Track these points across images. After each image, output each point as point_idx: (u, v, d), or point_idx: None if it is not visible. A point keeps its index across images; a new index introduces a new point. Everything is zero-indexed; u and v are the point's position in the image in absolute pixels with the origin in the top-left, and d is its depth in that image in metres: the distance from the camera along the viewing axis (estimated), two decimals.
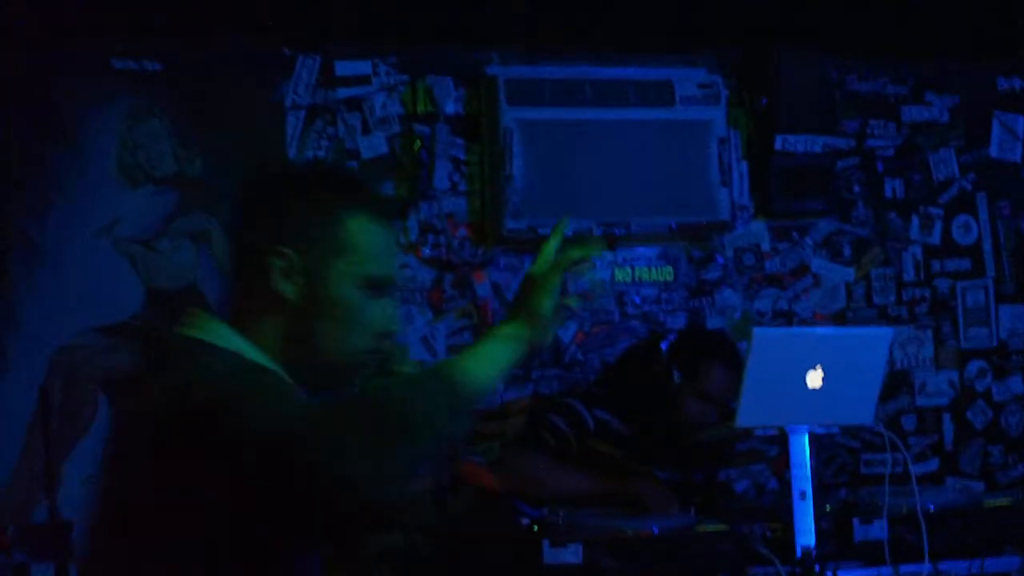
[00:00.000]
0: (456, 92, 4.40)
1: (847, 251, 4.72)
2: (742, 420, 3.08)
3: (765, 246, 4.65)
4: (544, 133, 4.31)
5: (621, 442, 3.84)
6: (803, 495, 3.05)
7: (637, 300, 4.52)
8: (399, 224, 1.94)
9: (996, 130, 4.90)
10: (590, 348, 4.46)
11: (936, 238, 4.81)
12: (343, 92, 4.33)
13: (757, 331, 3.10)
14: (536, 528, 3.12)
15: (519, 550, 3.14)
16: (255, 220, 1.87)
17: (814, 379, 3.09)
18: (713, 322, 4.57)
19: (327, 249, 1.83)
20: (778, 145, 4.53)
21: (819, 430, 3.58)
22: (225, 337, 1.82)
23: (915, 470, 4.50)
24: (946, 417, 4.79)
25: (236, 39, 4.14)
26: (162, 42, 4.12)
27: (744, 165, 4.60)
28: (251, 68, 4.24)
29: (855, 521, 3.26)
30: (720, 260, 4.59)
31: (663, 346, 3.90)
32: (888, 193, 4.77)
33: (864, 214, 4.74)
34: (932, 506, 3.26)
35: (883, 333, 3.75)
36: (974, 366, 4.83)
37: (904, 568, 3.22)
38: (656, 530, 3.16)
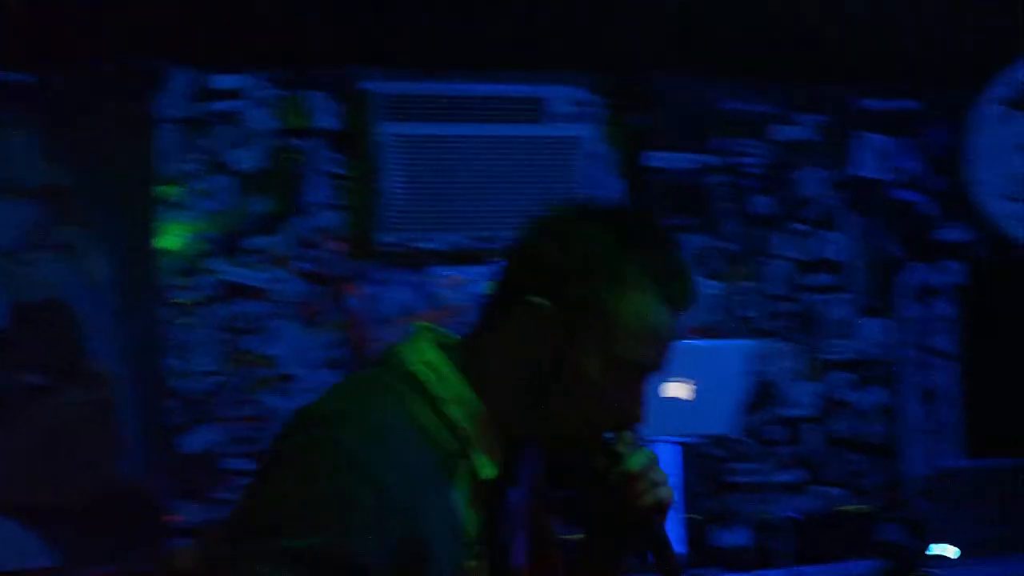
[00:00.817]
0: (331, 106, 4.41)
1: (717, 265, 4.82)
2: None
3: None
4: (418, 148, 4.34)
5: None
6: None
7: None
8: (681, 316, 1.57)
9: (861, 149, 5.04)
10: None
11: (802, 253, 4.94)
12: (217, 105, 4.32)
13: None
14: None
15: None
16: (534, 254, 1.60)
17: (680, 391, 3.15)
18: None
19: (594, 315, 1.56)
20: (651, 162, 4.63)
21: (686, 441, 3.66)
22: (443, 377, 1.60)
23: (779, 479, 4.66)
24: (810, 427, 4.91)
25: (109, 51, 4.11)
26: (34, 54, 4.07)
27: (616, 181, 4.68)
28: (124, 80, 4.21)
29: (718, 529, 3.34)
30: None
31: None
32: (757, 209, 4.89)
33: (734, 229, 4.85)
34: (795, 513, 3.35)
35: (748, 346, 3.84)
36: (838, 377, 4.96)
37: (767, 574, 3.31)
38: None
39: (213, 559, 1.52)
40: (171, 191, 4.24)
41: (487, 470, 1.58)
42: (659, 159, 4.66)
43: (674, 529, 3.11)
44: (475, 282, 4.48)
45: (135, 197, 4.22)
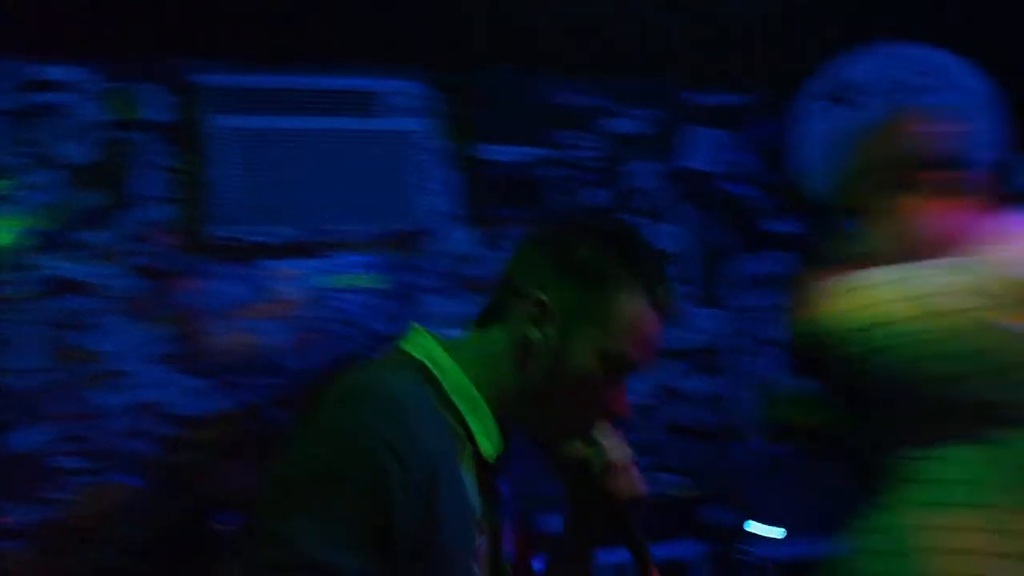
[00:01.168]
0: (162, 99, 4.37)
1: None
2: None
3: (472, 253, 4.77)
4: (251, 141, 4.32)
5: None
6: None
7: (347, 307, 4.57)
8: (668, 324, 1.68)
9: (696, 142, 5.15)
10: (301, 355, 4.48)
11: None
12: (46, 97, 4.24)
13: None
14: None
15: (212, 553, 3.14)
16: (533, 256, 1.75)
17: None
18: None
19: (589, 314, 1.70)
20: (483, 154, 4.68)
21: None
22: (444, 369, 1.71)
23: None
24: (645, 415, 4.99)
25: None
26: None
27: (451, 174, 4.71)
28: None
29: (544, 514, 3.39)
30: (428, 267, 4.69)
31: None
32: (590, 201, 4.96)
33: None
34: None
35: None
36: (672, 366, 5.06)
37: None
38: None
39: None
40: None
41: (489, 451, 1.70)
42: (492, 152, 4.71)
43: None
44: (308, 275, 4.49)
45: None
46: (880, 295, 2.14)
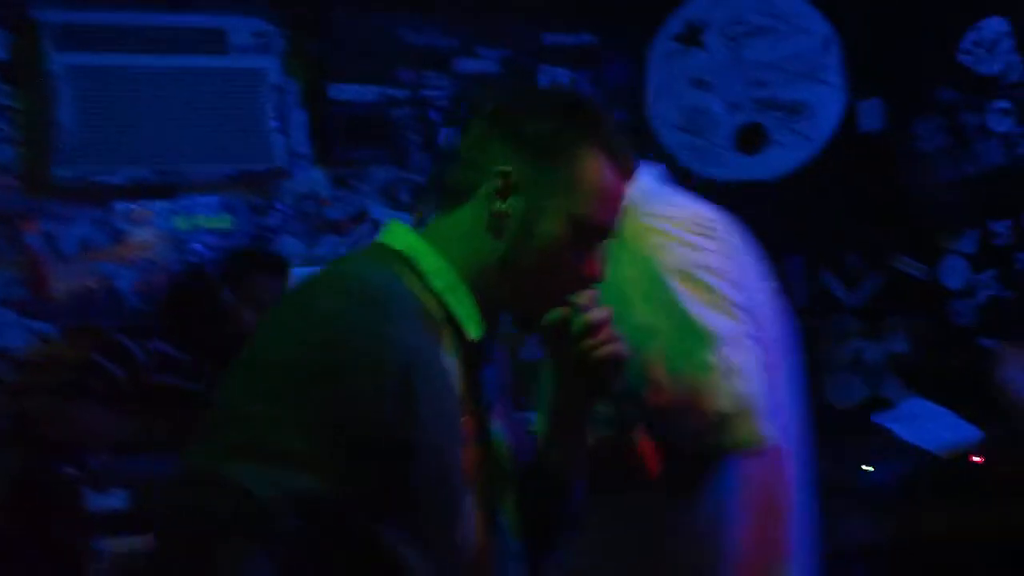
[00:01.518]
0: None
1: (405, 197, 4.88)
2: None
3: (324, 193, 4.74)
4: (94, 79, 4.23)
5: (186, 373, 3.84)
6: None
7: (199, 248, 4.51)
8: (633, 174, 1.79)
9: (544, 82, 5.17)
10: (151, 297, 4.42)
11: None
12: None
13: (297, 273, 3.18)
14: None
15: (61, 498, 3.11)
16: (492, 130, 1.75)
17: None
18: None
19: (555, 181, 1.71)
20: (334, 94, 4.64)
21: None
22: (422, 253, 1.72)
23: None
24: None
25: None
26: None
27: (301, 113, 4.67)
28: None
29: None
30: (280, 207, 4.66)
31: (208, 270, 3.96)
32: (443, 142, 4.97)
33: (421, 162, 4.91)
34: None
35: None
36: None
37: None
38: None
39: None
40: None
41: (474, 331, 1.72)
42: (343, 91, 4.67)
43: None
44: (159, 216, 4.42)
45: None
46: None
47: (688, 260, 2.26)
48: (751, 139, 5.07)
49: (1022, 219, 4.63)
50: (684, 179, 5.01)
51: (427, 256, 1.72)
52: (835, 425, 3.87)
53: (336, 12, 4.62)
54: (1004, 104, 4.65)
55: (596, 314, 1.76)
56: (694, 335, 2.19)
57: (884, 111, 5.01)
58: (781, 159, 5.08)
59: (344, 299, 1.60)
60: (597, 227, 1.74)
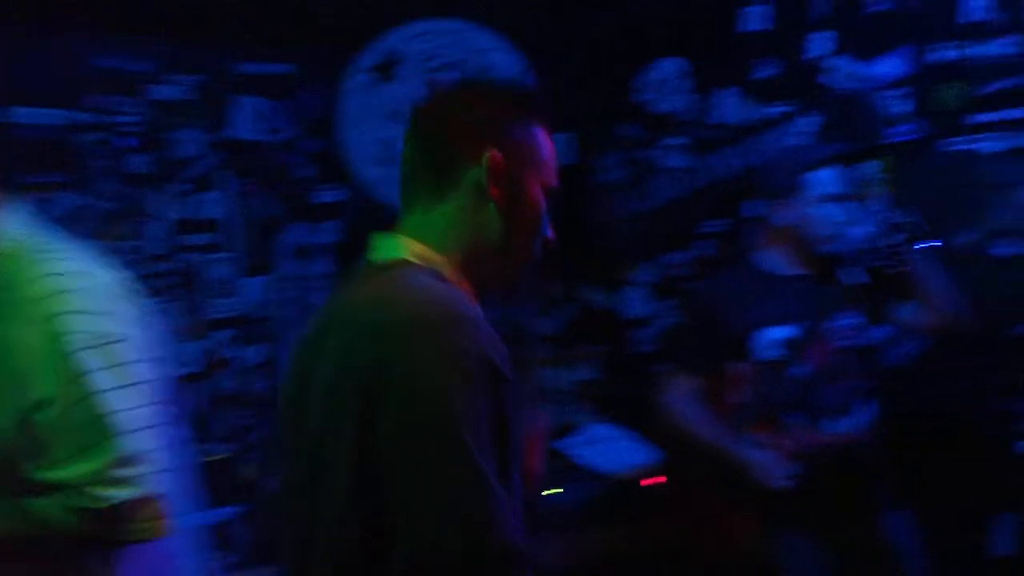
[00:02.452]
0: None
1: (93, 225, 4.75)
2: None
3: None
4: None
5: None
6: None
7: None
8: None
9: (240, 110, 5.14)
10: None
11: (182, 213, 4.98)
12: None
13: None
14: None
15: None
16: (462, 123, 1.91)
17: None
18: None
19: (526, 155, 1.91)
20: (15, 118, 4.49)
21: None
22: (426, 256, 1.88)
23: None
24: (194, 385, 4.97)
25: None
26: None
27: None
28: None
29: None
30: None
31: None
32: (134, 168, 4.86)
33: (109, 188, 4.80)
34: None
35: None
36: (221, 335, 5.06)
37: None
38: None
39: None
40: None
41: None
42: (25, 115, 4.52)
43: None
44: None
45: None
46: None
47: (95, 330, 2.23)
48: None
49: (696, 249, 4.86)
50: (382, 212, 5.13)
51: (439, 262, 1.90)
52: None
53: (21, 31, 4.46)
54: (678, 140, 4.88)
55: None
56: (96, 421, 2.17)
57: (575, 146, 5.19)
58: None
59: (449, 324, 1.75)
60: (552, 187, 1.97)
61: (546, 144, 1.96)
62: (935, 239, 3.48)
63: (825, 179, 3.58)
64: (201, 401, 4.98)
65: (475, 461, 1.67)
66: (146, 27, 4.76)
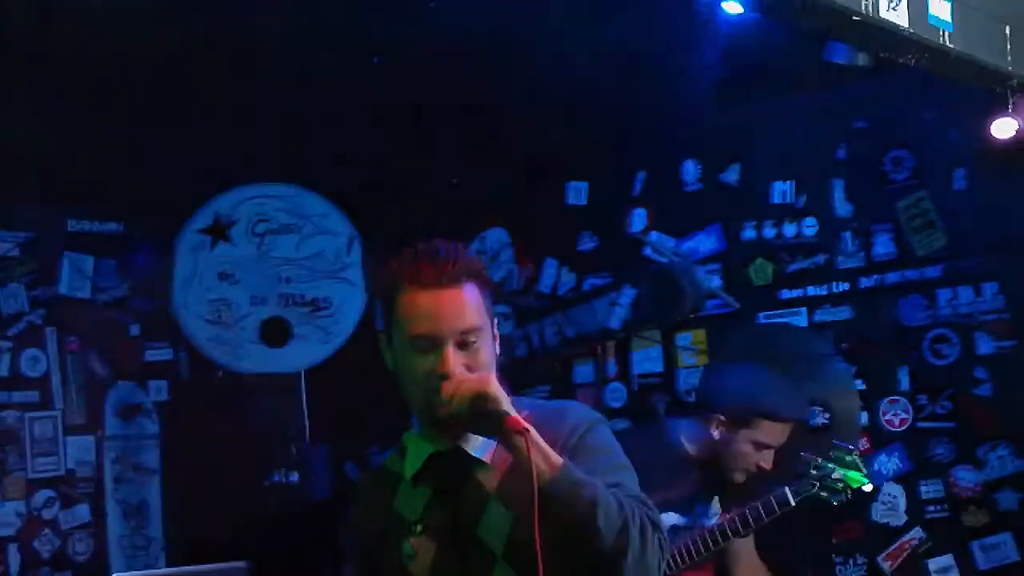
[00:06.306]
0: None
1: None
2: None
3: None
4: None
5: None
6: None
7: None
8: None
9: (66, 267, 5.12)
10: None
11: (5, 370, 4.90)
12: None
13: None
14: None
15: None
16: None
17: None
18: None
19: (395, 323, 2.13)
20: None
21: None
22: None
23: None
24: (12, 547, 4.84)
25: None
26: None
27: None
28: None
29: None
30: None
31: None
32: None
33: None
34: None
35: None
36: (41, 495, 4.95)
37: None
38: None
39: None
40: None
41: (408, 471, 2.22)
42: None
43: None
44: None
45: None
46: None
47: None
48: (276, 333, 5.22)
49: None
50: (211, 370, 5.13)
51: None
52: None
53: None
54: (503, 309, 5.06)
55: (454, 383, 2.08)
56: None
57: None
58: (305, 352, 5.26)
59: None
60: (423, 337, 2.10)
61: (410, 302, 2.14)
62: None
63: None
64: (17, 564, 4.85)
65: None
66: None
